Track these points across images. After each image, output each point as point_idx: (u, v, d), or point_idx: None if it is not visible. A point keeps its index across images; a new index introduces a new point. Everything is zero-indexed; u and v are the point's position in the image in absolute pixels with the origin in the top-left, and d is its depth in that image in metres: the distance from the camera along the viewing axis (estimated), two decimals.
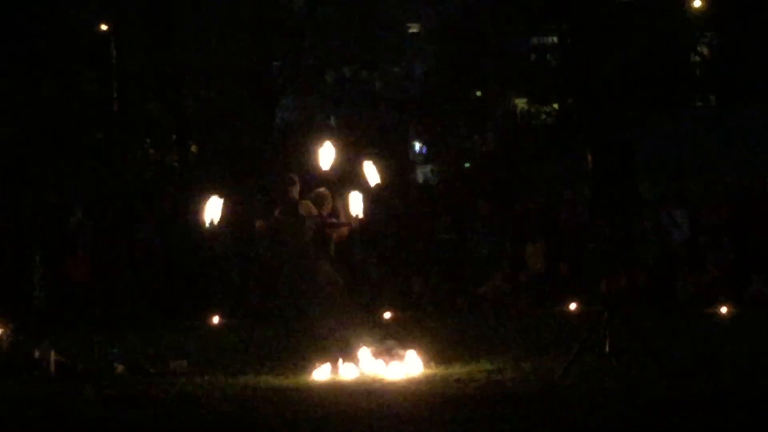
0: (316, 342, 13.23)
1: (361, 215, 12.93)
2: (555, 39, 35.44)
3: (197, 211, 13.61)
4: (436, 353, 11.29)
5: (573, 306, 17.85)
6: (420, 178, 34.63)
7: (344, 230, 13.54)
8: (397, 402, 8.56)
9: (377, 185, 13.20)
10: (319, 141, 12.74)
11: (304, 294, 13.86)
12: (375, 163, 13.42)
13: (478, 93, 35.03)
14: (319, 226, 13.48)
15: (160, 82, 29.64)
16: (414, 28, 39.54)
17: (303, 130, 30.51)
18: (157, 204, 21.15)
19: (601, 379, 9.32)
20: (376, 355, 10.33)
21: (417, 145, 40.13)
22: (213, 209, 13.14)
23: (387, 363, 10.24)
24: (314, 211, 13.49)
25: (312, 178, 13.48)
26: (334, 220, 13.50)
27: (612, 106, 30.18)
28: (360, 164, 13.31)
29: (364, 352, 10.21)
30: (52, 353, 10.59)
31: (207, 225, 13.36)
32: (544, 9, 33.67)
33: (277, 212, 13.75)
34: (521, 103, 36.24)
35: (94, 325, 17.29)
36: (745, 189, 19.26)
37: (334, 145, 12.79)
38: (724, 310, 16.33)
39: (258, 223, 13.64)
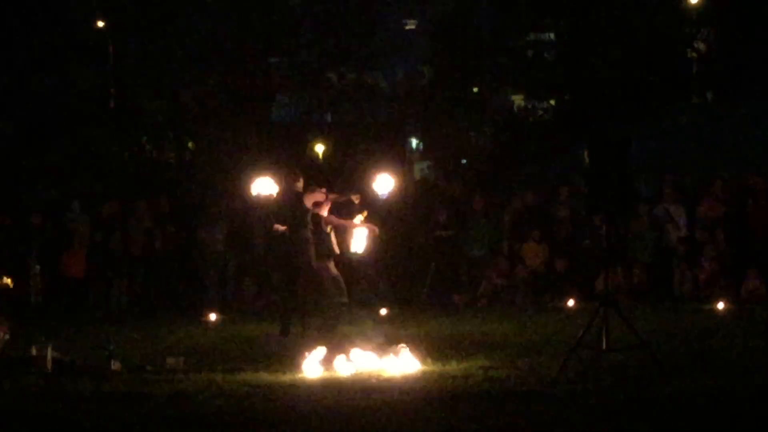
0: (313, 337, 13.26)
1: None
2: (552, 35, 35.40)
3: (245, 186, 14.04)
4: (433, 350, 11.29)
5: (570, 302, 17.87)
6: (417, 175, 34.62)
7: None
8: (394, 398, 8.56)
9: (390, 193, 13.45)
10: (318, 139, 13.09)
11: (300, 288, 13.89)
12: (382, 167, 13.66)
13: (475, 89, 35.02)
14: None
15: (157, 78, 29.64)
16: (411, 25, 39.56)
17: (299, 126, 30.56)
18: (154, 200, 21.12)
19: (598, 376, 9.33)
20: (370, 349, 10.33)
21: (414, 142, 40.13)
22: (262, 186, 13.58)
23: (380, 357, 10.23)
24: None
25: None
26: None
27: (609, 102, 30.16)
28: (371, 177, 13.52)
29: (359, 348, 10.20)
30: (49, 350, 10.58)
31: (254, 194, 13.77)
32: (541, 5, 33.64)
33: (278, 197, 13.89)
34: (518, 99, 36.22)
35: (90, 322, 17.28)
36: (742, 185, 19.26)
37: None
38: (720, 305, 16.34)
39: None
